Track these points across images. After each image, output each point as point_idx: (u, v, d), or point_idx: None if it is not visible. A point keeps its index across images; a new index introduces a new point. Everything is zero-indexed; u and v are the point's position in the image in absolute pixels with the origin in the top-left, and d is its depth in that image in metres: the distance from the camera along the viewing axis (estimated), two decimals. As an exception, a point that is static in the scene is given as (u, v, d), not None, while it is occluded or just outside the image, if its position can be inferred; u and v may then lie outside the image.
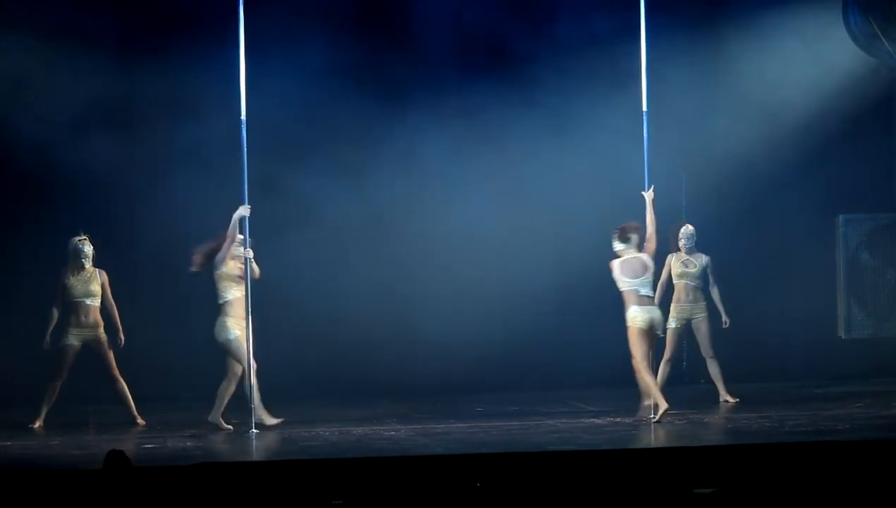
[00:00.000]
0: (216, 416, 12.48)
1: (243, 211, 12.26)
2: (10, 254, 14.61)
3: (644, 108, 12.69)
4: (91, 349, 12.98)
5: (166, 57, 14.61)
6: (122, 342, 13.07)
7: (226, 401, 12.52)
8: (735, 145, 15.18)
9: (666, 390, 13.55)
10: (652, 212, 12.55)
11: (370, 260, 15.10)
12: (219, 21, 13.47)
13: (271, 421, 12.42)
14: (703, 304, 13.81)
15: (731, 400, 13.73)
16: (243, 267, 12.41)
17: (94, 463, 9.33)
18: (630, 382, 14.05)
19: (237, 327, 12.35)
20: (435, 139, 15.07)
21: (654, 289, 12.73)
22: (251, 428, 12.16)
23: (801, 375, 15.28)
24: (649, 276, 12.46)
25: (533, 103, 15.11)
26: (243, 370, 12.34)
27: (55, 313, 12.99)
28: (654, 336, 12.54)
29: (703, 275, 13.81)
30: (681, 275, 13.81)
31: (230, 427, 12.44)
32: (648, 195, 12.57)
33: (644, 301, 12.39)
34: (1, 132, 14.38)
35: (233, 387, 12.52)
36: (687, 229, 13.86)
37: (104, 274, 13.10)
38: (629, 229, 12.47)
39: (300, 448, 11.34)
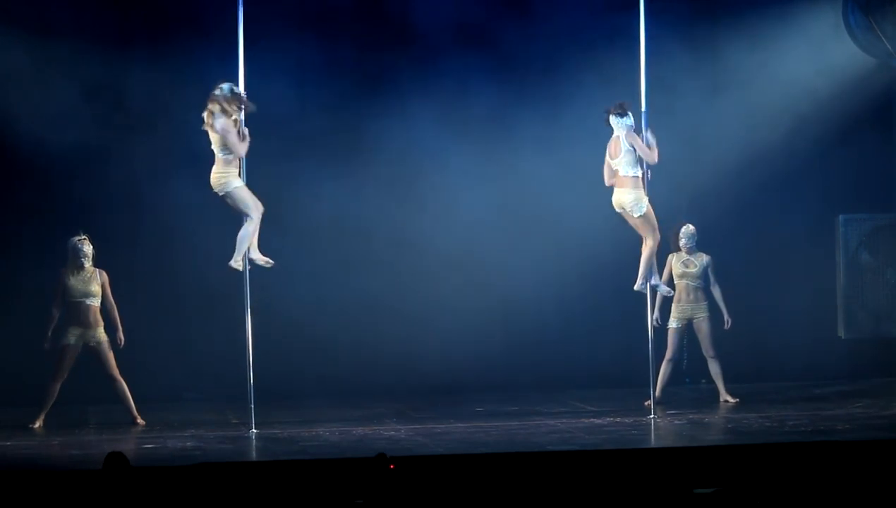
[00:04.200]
0: (237, 259, 12.27)
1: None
2: (9, 253, 14.58)
3: (643, 108, 12.69)
4: (91, 349, 12.97)
5: (165, 55, 14.59)
6: (122, 342, 13.07)
7: (246, 243, 12.22)
8: (735, 145, 15.16)
9: (667, 390, 13.60)
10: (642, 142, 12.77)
11: (369, 260, 15.07)
12: (217, 19, 13.47)
13: (262, 258, 12.31)
14: (704, 304, 13.80)
15: (731, 400, 13.72)
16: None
17: (94, 463, 9.33)
18: (629, 382, 14.10)
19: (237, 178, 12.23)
20: (434, 138, 15.05)
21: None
22: (251, 428, 12.16)
23: (801, 375, 15.25)
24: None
25: (531, 102, 15.09)
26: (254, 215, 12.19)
27: (55, 313, 12.98)
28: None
29: (703, 275, 13.80)
30: (682, 275, 13.80)
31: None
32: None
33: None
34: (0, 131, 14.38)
35: (254, 227, 12.22)
36: (687, 229, 13.85)
37: (104, 274, 13.09)
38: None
39: (300, 448, 11.33)
